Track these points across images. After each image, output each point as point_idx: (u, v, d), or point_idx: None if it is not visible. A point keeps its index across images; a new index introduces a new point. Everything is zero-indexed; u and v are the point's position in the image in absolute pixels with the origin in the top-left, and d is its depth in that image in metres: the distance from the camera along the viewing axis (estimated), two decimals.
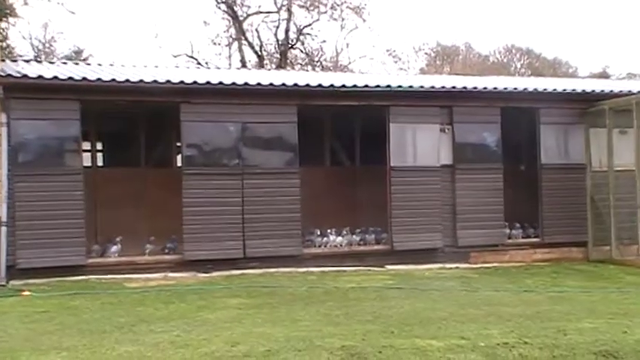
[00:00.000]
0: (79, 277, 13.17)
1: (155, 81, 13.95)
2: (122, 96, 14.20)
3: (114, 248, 14.46)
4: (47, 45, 38.00)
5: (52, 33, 38.38)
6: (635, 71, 39.58)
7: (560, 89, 16.63)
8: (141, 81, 13.84)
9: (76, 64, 17.84)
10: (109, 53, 51.58)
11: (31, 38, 37.27)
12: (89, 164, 16.81)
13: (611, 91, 16.87)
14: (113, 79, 13.73)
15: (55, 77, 13.42)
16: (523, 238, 16.75)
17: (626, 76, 37.84)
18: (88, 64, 18.09)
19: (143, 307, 10.23)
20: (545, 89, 16.42)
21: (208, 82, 14.29)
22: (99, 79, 13.66)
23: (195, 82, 14.22)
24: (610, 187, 15.91)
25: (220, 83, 14.35)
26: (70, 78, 13.51)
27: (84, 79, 13.57)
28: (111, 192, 15.99)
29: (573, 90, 16.69)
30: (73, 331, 8.45)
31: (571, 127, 16.67)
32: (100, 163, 18.25)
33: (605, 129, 15.98)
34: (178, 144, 16.14)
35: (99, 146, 18.27)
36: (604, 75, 39.01)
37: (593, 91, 16.75)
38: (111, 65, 16.47)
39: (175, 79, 14.17)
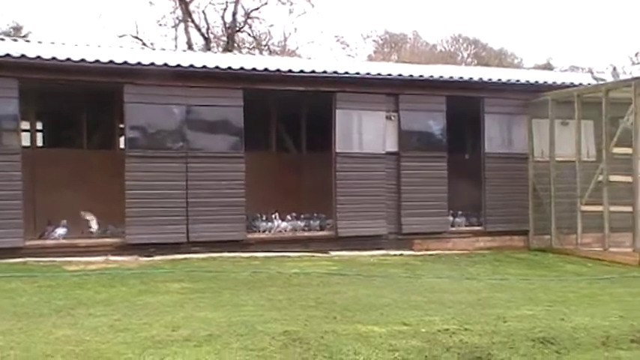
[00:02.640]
0: (16, 259, 12.87)
1: (97, 60, 13.60)
2: (63, 75, 13.80)
3: (61, 231, 14.17)
4: None
5: None
6: (578, 64, 40.37)
7: (504, 79, 16.82)
8: (83, 60, 13.48)
9: (15, 40, 17.35)
10: (50, 32, 50.41)
11: None
12: (28, 144, 16.38)
13: (554, 82, 17.16)
14: (54, 58, 13.35)
15: None
16: (466, 226, 16.96)
17: (569, 68, 38.50)
18: (28, 42, 17.61)
19: (83, 290, 10.03)
20: (489, 79, 16.59)
21: (153, 64, 14.02)
22: (38, 57, 13.26)
23: (139, 63, 13.95)
24: (551, 177, 16.21)
25: (165, 65, 14.10)
26: (8, 55, 13.11)
27: (22, 56, 13.18)
28: (51, 173, 15.67)
29: (517, 80, 16.91)
30: (9, 314, 8.22)
31: (515, 117, 16.90)
32: (39, 143, 17.80)
33: (548, 120, 16.25)
34: (121, 126, 15.84)
35: (39, 126, 17.80)
36: (548, 67, 39.57)
37: (537, 82, 17.01)
38: (52, 43, 16.04)
39: (119, 60, 13.85)
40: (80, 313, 8.32)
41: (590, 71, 17.30)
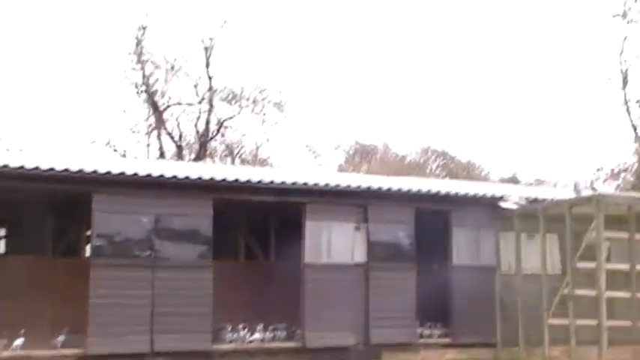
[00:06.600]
0: None
1: (67, 169, 13.60)
2: (31, 183, 13.73)
3: (18, 341, 13.72)
4: None
5: None
6: (543, 177, 41.21)
7: (471, 193, 17.06)
8: (51, 169, 13.48)
9: None
10: (22, 137, 50.45)
11: None
12: None
13: (520, 196, 17.40)
14: (22, 166, 13.30)
15: None
16: (435, 337, 16.77)
17: (534, 181, 39.29)
18: None
19: None
20: (457, 192, 16.82)
21: (122, 173, 14.07)
22: (5, 166, 13.21)
23: (108, 172, 13.97)
24: (518, 289, 16.22)
25: (135, 174, 14.15)
26: None
27: None
28: (13, 280, 15.39)
29: (484, 194, 17.16)
30: None
31: (482, 230, 17.03)
32: (1, 250, 17.57)
33: (514, 233, 16.42)
34: (88, 233, 15.73)
35: (1, 232, 17.61)
36: (514, 180, 40.34)
37: (503, 196, 17.24)
38: (21, 151, 16.08)
39: (89, 169, 13.86)
40: None
41: (575, 185, 17.58)
